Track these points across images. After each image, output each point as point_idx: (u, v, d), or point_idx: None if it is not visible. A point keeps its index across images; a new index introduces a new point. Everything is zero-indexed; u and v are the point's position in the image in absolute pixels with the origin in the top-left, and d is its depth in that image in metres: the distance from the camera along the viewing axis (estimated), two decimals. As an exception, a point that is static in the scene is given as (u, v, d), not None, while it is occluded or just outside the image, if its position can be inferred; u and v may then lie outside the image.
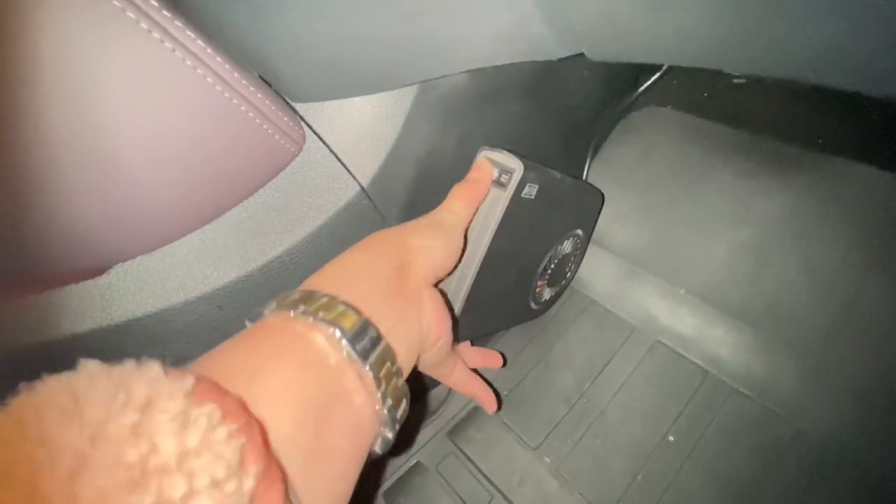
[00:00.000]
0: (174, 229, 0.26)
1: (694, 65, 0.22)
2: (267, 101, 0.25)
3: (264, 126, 0.25)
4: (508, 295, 0.42)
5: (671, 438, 0.44)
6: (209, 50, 0.22)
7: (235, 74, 0.23)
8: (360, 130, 0.30)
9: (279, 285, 0.29)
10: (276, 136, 0.26)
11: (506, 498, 0.44)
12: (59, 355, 0.25)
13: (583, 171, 0.59)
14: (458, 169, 0.34)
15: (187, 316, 0.27)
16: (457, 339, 0.35)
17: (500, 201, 0.33)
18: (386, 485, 0.47)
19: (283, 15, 0.23)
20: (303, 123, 0.28)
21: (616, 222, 0.56)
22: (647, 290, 0.52)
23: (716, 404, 0.45)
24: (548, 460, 0.45)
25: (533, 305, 0.48)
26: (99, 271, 0.25)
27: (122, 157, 0.22)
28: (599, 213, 0.53)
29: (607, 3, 0.20)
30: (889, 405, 0.40)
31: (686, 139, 0.58)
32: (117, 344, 0.26)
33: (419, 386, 0.49)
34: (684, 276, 0.51)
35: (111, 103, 0.21)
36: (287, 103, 0.28)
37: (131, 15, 0.19)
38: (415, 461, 0.48)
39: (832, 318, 0.44)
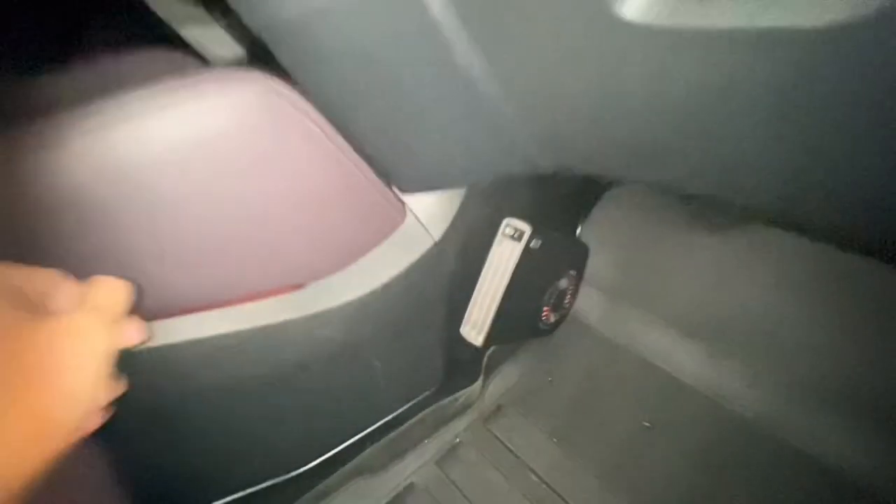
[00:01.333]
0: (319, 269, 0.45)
1: (628, 178, 0.41)
2: (385, 188, 0.45)
3: (384, 201, 0.45)
4: (522, 317, 0.61)
5: (646, 424, 0.61)
6: (351, 151, 0.41)
7: (365, 166, 0.42)
8: (437, 206, 0.50)
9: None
10: (390, 209, 0.46)
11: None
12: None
13: (576, 229, 0.79)
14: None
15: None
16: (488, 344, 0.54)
17: (516, 250, 0.53)
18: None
19: (407, 144, 0.43)
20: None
21: (604, 268, 0.76)
22: (629, 316, 0.70)
23: (680, 400, 0.62)
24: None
25: (542, 326, 0.66)
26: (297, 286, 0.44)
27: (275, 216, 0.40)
28: (586, 260, 0.72)
29: (555, 126, 0.33)
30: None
31: (662, 205, 0.77)
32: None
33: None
34: (658, 306, 0.70)
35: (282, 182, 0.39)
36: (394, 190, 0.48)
37: (306, 121, 0.38)
38: (408, 482, 0.61)
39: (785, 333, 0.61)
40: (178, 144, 0.33)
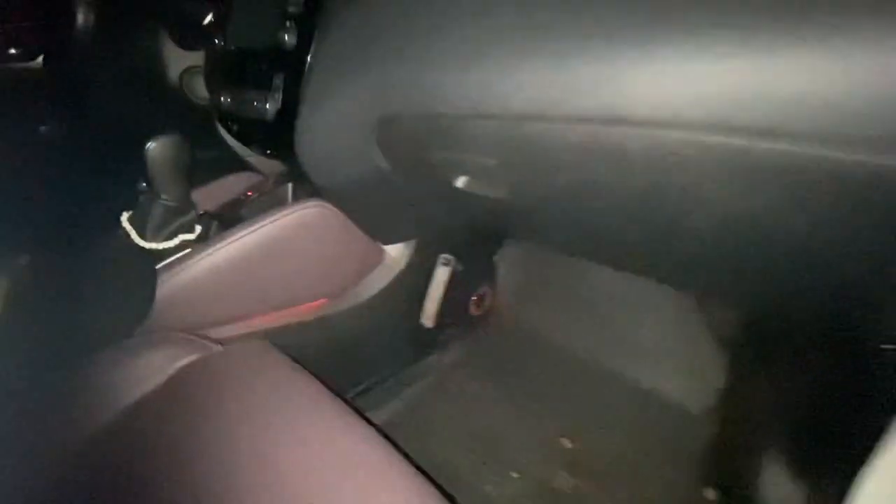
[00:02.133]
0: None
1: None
2: (371, 241, 0.86)
3: (371, 248, 0.86)
4: (456, 311, 1.02)
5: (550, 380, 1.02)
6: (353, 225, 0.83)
7: (360, 232, 0.84)
8: (401, 248, 0.91)
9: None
10: (375, 253, 0.87)
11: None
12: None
13: (494, 255, 1.22)
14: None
15: None
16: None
17: (447, 272, 0.95)
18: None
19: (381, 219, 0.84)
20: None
21: (512, 280, 1.18)
22: (528, 309, 1.12)
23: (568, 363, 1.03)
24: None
25: (471, 315, 1.07)
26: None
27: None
28: (496, 274, 1.14)
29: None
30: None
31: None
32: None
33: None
34: (548, 304, 1.12)
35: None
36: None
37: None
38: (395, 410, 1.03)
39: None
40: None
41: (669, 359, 0.90)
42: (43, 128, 0.78)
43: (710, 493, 0.74)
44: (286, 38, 0.62)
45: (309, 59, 0.61)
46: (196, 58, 0.94)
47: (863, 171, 0.27)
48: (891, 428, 0.44)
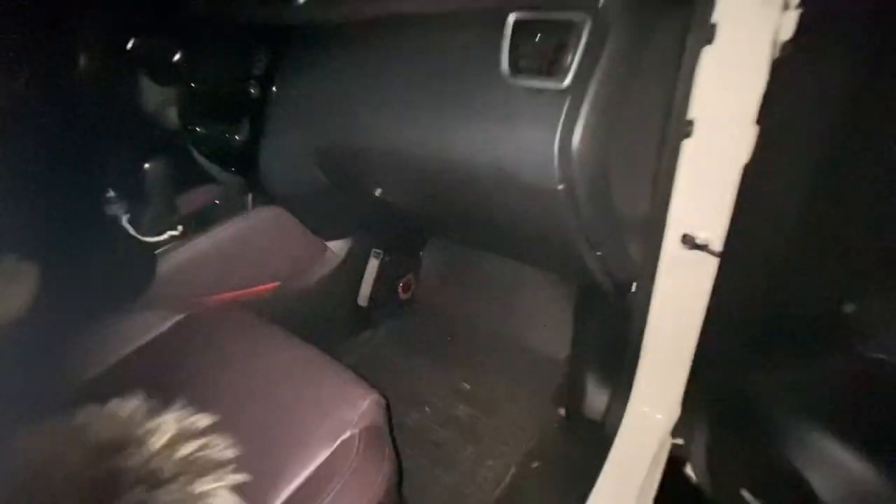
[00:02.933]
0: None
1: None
2: (314, 237, 1.11)
3: (315, 243, 1.11)
4: (388, 293, 1.30)
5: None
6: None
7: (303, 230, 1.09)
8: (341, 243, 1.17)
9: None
10: (319, 246, 1.12)
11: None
12: None
13: (420, 249, 1.50)
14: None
15: None
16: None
17: (377, 262, 1.22)
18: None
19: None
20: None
21: (434, 268, 1.46)
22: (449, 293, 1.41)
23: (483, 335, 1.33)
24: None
25: (400, 299, 1.35)
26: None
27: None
28: (420, 264, 1.43)
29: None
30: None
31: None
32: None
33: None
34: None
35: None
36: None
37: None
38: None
39: None
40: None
41: (542, 321, 1.22)
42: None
43: (562, 411, 1.05)
44: (251, 89, 0.88)
45: (268, 104, 0.87)
46: (170, 92, 1.17)
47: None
48: (642, 348, 0.76)
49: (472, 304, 1.34)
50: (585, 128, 0.52)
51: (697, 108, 0.57)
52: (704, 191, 0.63)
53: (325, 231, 1.11)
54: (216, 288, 0.96)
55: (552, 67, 0.52)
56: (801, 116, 0.58)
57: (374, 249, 1.23)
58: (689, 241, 0.69)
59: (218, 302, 0.96)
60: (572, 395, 1.02)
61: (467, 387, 1.14)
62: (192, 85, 1.04)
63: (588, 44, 0.50)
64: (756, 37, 0.52)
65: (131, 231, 0.89)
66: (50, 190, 0.93)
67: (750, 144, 0.58)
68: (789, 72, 0.50)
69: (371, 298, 1.24)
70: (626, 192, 0.62)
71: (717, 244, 0.66)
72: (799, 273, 0.64)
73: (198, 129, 1.02)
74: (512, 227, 0.75)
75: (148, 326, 0.76)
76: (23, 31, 0.94)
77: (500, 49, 0.55)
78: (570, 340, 1.13)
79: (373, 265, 1.23)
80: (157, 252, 0.89)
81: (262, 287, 1.05)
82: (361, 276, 1.24)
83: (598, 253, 0.67)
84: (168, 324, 0.77)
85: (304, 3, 0.87)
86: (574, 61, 0.51)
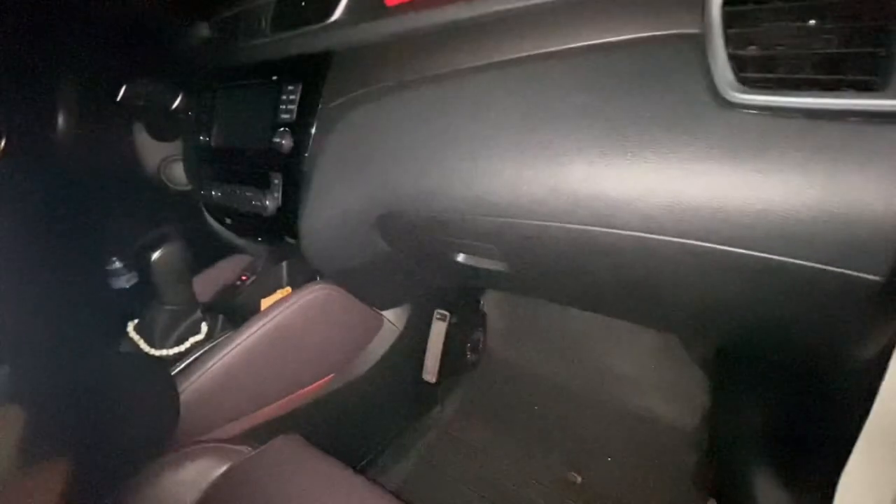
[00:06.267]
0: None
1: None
2: (371, 310, 0.89)
3: (373, 315, 0.89)
4: (455, 360, 1.06)
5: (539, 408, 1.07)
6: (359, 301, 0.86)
7: (362, 305, 0.87)
8: (398, 312, 0.95)
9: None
10: (376, 319, 0.90)
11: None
12: None
13: (479, 304, 1.27)
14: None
15: None
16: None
17: (443, 326, 0.99)
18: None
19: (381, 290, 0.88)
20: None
21: (499, 324, 1.23)
22: (517, 349, 1.18)
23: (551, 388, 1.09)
24: None
25: (468, 361, 1.12)
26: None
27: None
28: (486, 321, 1.20)
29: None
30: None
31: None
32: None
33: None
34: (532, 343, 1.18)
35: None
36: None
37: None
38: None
39: None
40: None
41: (653, 384, 0.98)
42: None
43: (712, 505, 0.81)
44: (282, 141, 0.66)
45: (305, 161, 0.65)
46: (172, 148, 0.95)
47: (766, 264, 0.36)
48: (857, 442, 0.52)
49: (551, 363, 1.11)
50: None
51: None
52: None
53: (383, 300, 0.89)
54: (258, 402, 0.73)
55: (837, 72, 0.30)
56: None
57: (437, 311, 1.01)
58: None
59: (262, 422, 0.73)
60: (727, 486, 0.78)
61: (576, 479, 0.90)
62: (202, 138, 0.83)
63: None
64: None
65: (141, 344, 0.68)
66: (33, 294, 0.71)
67: None
68: None
69: (438, 369, 1.01)
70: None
71: None
72: None
73: (214, 192, 0.81)
74: (684, 302, 0.51)
75: (176, 496, 0.54)
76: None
77: (711, 45, 0.33)
78: (694, 406, 0.90)
79: (438, 330, 1.00)
80: (180, 367, 0.67)
81: (314, 385, 0.82)
82: (424, 346, 1.01)
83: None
84: (202, 488, 0.55)
85: (344, 19, 0.65)
86: None
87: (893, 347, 0.47)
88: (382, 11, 0.58)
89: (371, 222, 0.63)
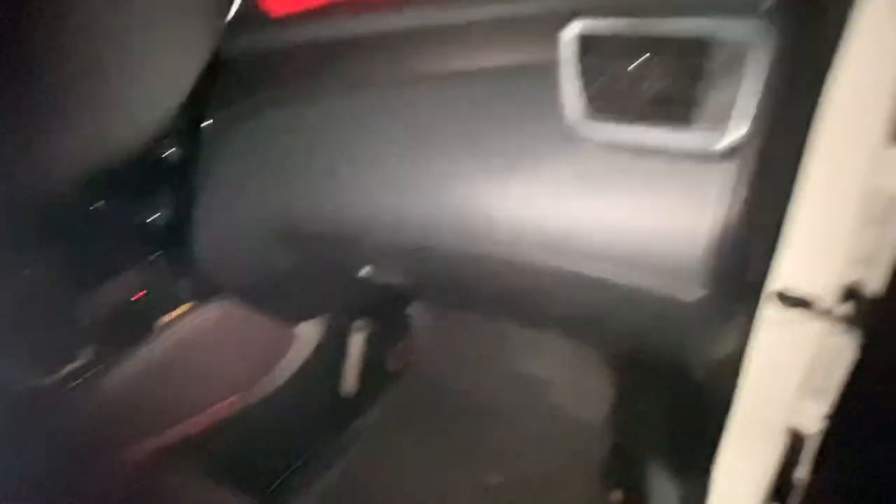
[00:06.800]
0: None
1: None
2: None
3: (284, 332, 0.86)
4: (373, 371, 1.05)
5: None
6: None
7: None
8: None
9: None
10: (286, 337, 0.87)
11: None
12: None
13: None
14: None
15: None
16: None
17: (362, 336, 0.98)
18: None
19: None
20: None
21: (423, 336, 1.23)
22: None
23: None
24: None
25: (389, 369, 1.11)
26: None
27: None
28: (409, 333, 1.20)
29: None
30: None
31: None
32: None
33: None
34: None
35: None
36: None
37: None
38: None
39: None
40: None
41: (564, 383, 1.03)
42: None
43: (618, 495, 0.86)
44: (171, 152, 0.62)
45: (198, 172, 0.62)
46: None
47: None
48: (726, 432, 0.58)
49: (473, 369, 1.13)
50: (749, 210, 0.33)
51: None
52: (814, 232, 0.46)
53: (291, 314, 0.86)
54: (155, 426, 0.68)
55: (668, 110, 0.33)
56: None
57: (355, 322, 0.99)
58: (788, 299, 0.52)
59: (159, 446, 0.69)
60: (629, 479, 0.84)
61: (496, 481, 0.92)
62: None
63: (758, 70, 0.30)
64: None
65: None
66: None
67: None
68: None
69: (358, 381, 1.00)
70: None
71: (826, 300, 0.50)
72: None
73: (94, 206, 0.75)
74: (573, 318, 0.55)
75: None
76: None
77: (561, 78, 0.36)
78: (601, 403, 0.95)
79: (356, 341, 0.99)
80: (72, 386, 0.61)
81: (219, 406, 0.78)
82: (342, 359, 0.99)
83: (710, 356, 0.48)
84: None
85: (230, 27, 0.63)
86: (742, 104, 0.31)
87: (744, 345, 0.52)
88: (267, 22, 0.57)
89: (268, 235, 0.61)
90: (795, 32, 0.31)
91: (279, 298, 0.81)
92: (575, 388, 1.01)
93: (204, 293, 0.80)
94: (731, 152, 0.31)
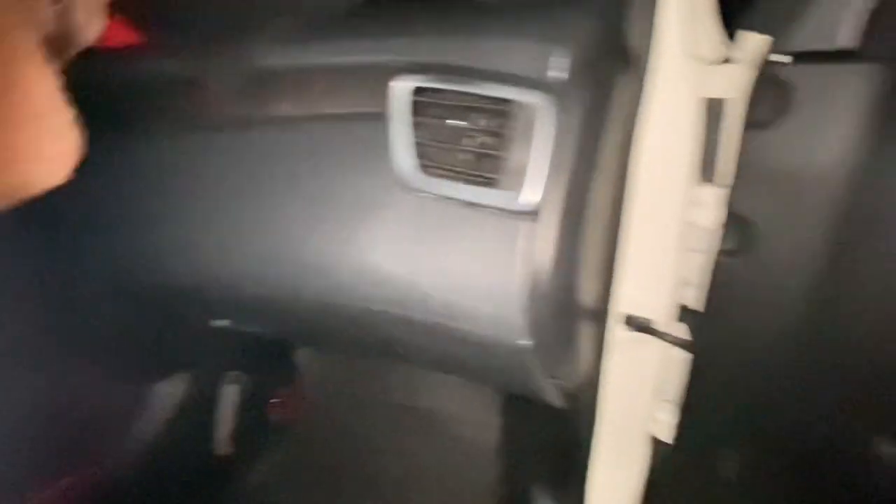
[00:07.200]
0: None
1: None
2: None
3: None
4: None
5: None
6: None
7: None
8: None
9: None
10: None
11: None
12: None
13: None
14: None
15: None
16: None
17: (236, 389, 0.89)
18: None
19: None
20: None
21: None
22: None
23: None
24: None
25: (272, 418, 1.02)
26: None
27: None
28: (299, 374, 1.12)
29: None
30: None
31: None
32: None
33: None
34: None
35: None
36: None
37: None
38: None
39: None
40: None
41: (459, 414, 1.03)
42: None
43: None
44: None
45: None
46: None
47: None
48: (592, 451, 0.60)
49: (364, 409, 1.08)
50: (559, 260, 0.35)
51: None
52: (645, 262, 0.52)
53: (144, 373, 0.75)
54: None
55: (480, 168, 0.34)
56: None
57: (227, 373, 0.90)
58: (633, 323, 0.57)
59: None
60: (516, 500, 0.85)
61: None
62: None
63: (550, 136, 0.33)
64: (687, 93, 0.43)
65: None
66: None
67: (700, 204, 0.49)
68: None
69: (233, 440, 0.90)
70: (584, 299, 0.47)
71: (663, 321, 0.56)
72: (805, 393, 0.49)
73: None
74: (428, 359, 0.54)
75: None
76: None
77: (394, 132, 0.36)
78: (492, 430, 0.97)
79: (229, 394, 0.89)
80: None
81: (53, 491, 0.64)
82: (213, 414, 0.89)
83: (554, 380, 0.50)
84: None
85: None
86: (535, 165, 0.33)
87: (598, 369, 0.56)
88: (100, 53, 0.51)
89: (107, 290, 0.53)
90: (587, 96, 0.34)
91: (128, 355, 0.70)
92: (466, 419, 1.02)
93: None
94: (531, 211, 0.34)
